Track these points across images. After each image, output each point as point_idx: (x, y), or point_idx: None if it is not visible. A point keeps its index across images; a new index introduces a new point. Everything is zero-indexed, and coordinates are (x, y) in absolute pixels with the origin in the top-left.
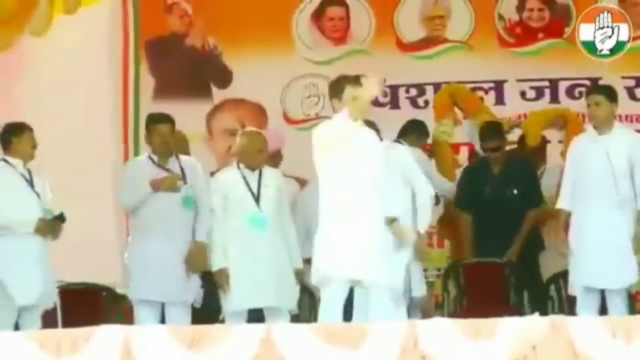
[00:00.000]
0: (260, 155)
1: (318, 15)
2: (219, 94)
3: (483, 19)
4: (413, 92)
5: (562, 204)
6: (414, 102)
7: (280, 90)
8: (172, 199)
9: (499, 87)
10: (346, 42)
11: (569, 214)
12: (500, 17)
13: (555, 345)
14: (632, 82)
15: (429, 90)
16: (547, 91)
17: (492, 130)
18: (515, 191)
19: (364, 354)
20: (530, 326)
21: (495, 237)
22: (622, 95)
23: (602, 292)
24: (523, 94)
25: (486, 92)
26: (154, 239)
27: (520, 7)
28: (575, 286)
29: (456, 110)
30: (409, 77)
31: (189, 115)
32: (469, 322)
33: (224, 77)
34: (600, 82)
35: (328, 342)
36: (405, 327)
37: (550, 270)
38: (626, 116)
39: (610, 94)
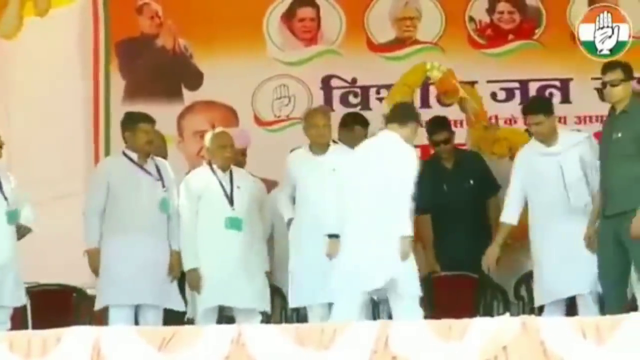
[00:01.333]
0: (226, 152)
1: (288, 16)
2: (189, 96)
3: (453, 21)
4: (383, 92)
5: (506, 217)
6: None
7: (251, 92)
8: (151, 200)
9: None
10: (317, 43)
11: (510, 227)
12: (471, 19)
13: (526, 346)
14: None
15: None
16: (517, 92)
17: (440, 123)
18: (471, 182)
19: (334, 355)
20: (501, 327)
21: (461, 237)
22: (592, 96)
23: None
24: (494, 95)
25: None
26: (130, 240)
27: (491, 10)
28: (540, 297)
29: None
30: (380, 78)
31: (159, 117)
32: (440, 322)
33: (195, 79)
34: (571, 84)
35: (298, 343)
36: (375, 327)
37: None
38: (596, 117)
39: (547, 109)
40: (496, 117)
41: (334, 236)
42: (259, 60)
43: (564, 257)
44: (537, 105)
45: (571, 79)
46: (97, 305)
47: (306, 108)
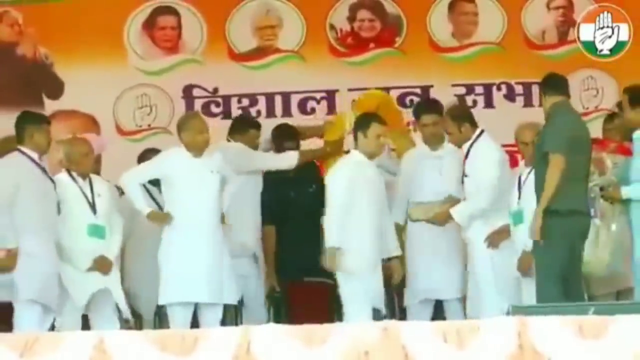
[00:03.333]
0: (87, 159)
1: (149, 25)
2: (51, 105)
3: (314, 29)
4: (245, 102)
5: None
6: (246, 112)
7: (113, 101)
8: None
9: (330, 96)
10: (178, 52)
11: (403, 227)
12: (332, 27)
13: (388, 351)
14: (462, 90)
15: (261, 100)
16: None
17: (288, 132)
18: (314, 187)
19: None
20: (363, 332)
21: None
22: (452, 102)
23: (436, 303)
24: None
25: (318, 101)
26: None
27: (351, 18)
28: (410, 298)
29: None
30: (242, 88)
31: None
32: (302, 328)
33: (56, 88)
34: (431, 91)
35: (160, 349)
36: (237, 333)
37: None
38: None
39: (441, 109)
40: None
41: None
42: (121, 69)
43: (435, 261)
44: (433, 106)
45: (431, 86)
46: None
47: (169, 116)
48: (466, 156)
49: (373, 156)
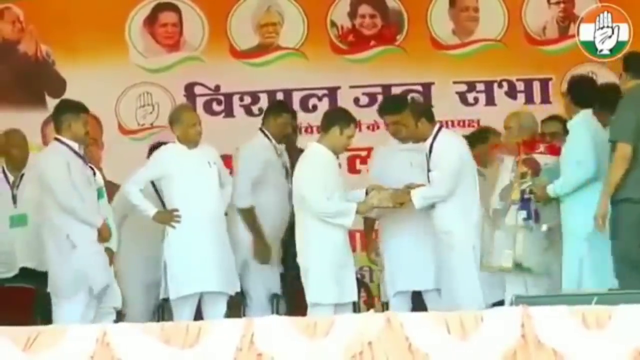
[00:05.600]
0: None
1: (151, 21)
2: (53, 103)
3: (316, 26)
4: (247, 99)
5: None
6: (248, 110)
7: (115, 100)
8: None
9: (332, 93)
10: (179, 49)
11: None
12: (333, 24)
13: (391, 341)
14: (463, 87)
15: (263, 97)
16: (380, 97)
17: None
18: None
19: (199, 353)
20: (366, 323)
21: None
22: (454, 100)
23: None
24: (356, 101)
25: (320, 98)
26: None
27: (352, 14)
28: (388, 290)
29: None
30: (243, 85)
31: (24, 125)
32: (305, 319)
33: (58, 86)
34: (432, 88)
35: (163, 341)
36: (241, 325)
37: None
38: (458, 121)
39: (401, 107)
40: (359, 123)
41: None
42: (122, 66)
43: (410, 254)
44: (391, 105)
45: (433, 83)
46: None
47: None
48: (430, 152)
49: (337, 153)
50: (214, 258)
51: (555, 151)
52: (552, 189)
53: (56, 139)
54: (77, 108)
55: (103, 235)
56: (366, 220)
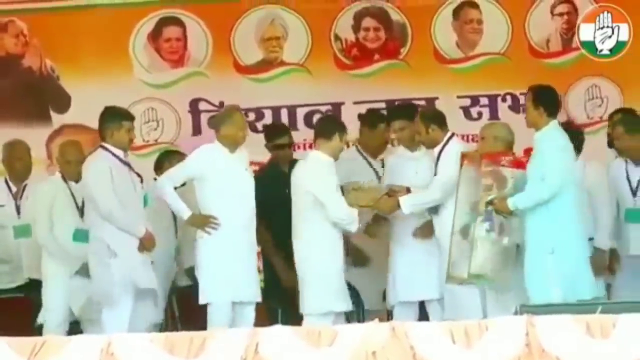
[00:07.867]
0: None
1: (155, 36)
2: (58, 119)
3: (320, 40)
4: (251, 116)
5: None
6: (252, 127)
7: None
8: None
9: (336, 109)
10: (184, 64)
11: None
12: (337, 38)
13: (395, 351)
14: (467, 102)
15: (267, 113)
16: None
17: (280, 126)
18: None
19: None
20: (371, 332)
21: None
22: (458, 114)
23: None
24: (360, 116)
25: (324, 114)
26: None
27: (356, 27)
28: (391, 300)
29: None
30: (248, 101)
31: (29, 140)
32: (310, 329)
33: (62, 101)
34: (437, 102)
35: (168, 351)
36: (245, 334)
37: None
38: (462, 136)
39: (410, 114)
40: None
41: None
42: (127, 82)
43: (415, 263)
44: (402, 111)
45: (437, 98)
46: None
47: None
48: (438, 159)
49: (337, 159)
50: (247, 267)
51: (520, 165)
52: (512, 203)
53: (101, 146)
54: (120, 116)
55: (146, 245)
56: None
